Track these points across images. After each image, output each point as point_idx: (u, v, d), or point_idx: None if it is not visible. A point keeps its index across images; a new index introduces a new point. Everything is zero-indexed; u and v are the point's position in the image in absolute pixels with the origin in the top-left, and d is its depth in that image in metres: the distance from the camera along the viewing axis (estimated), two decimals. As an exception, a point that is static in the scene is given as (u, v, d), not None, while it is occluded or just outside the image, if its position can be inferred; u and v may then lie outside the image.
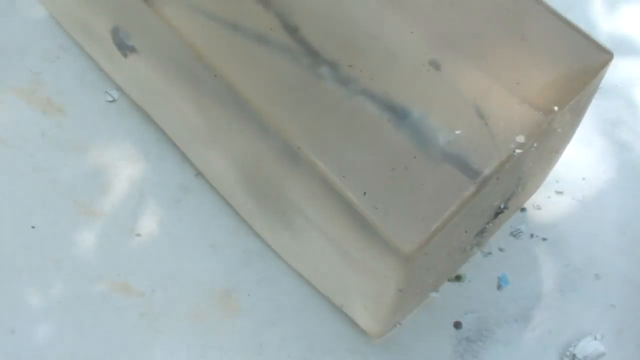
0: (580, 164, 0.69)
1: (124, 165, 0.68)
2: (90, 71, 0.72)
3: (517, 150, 0.49)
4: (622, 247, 0.66)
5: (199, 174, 0.68)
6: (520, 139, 0.49)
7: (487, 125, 0.51)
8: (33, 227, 0.65)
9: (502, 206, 0.59)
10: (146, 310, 0.62)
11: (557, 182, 0.68)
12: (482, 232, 0.60)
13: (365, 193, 0.48)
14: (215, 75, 0.55)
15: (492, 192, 0.52)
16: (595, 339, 0.64)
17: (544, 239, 0.67)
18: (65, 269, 0.64)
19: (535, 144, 0.51)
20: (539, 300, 0.65)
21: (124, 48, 0.61)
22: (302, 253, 0.63)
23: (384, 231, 0.47)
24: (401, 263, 0.47)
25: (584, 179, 0.69)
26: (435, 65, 0.54)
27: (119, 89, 0.71)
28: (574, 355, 0.62)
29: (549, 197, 0.68)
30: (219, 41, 0.55)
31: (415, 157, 0.49)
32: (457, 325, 0.63)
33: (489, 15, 0.56)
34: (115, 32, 0.61)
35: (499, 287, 0.65)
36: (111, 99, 0.71)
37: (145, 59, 0.60)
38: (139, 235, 0.65)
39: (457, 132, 0.50)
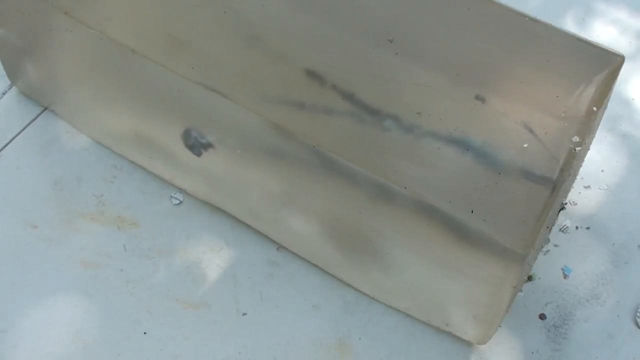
0: (596, 159, 0.82)
1: (210, 257, 0.79)
2: (149, 181, 0.83)
3: (577, 148, 0.61)
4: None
5: (280, 247, 0.76)
6: (576, 139, 0.61)
7: (547, 135, 0.62)
8: (145, 333, 0.72)
9: (564, 202, 0.71)
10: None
11: (582, 178, 0.81)
12: (550, 229, 0.72)
13: (472, 211, 0.58)
14: (301, 141, 0.64)
15: (562, 190, 0.63)
16: None
17: (588, 228, 0.80)
18: (188, 361, 0.70)
19: (586, 141, 0.63)
20: (600, 278, 0.77)
21: (198, 147, 0.71)
22: (398, 287, 0.73)
23: (497, 237, 0.60)
24: (518, 260, 0.60)
25: (602, 170, 0.83)
26: (481, 99, 0.66)
27: (181, 191, 0.79)
28: None
29: (579, 192, 0.82)
30: (292, 116, 0.67)
31: (499, 173, 0.60)
32: (542, 317, 0.75)
33: (508, 44, 0.69)
34: (188, 134, 0.71)
35: (565, 276, 0.77)
36: (177, 201, 0.79)
37: (223, 150, 0.71)
38: (245, 314, 0.73)
39: (525, 145, 0.61)
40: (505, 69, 0.69)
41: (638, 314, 0.76)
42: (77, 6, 0.72)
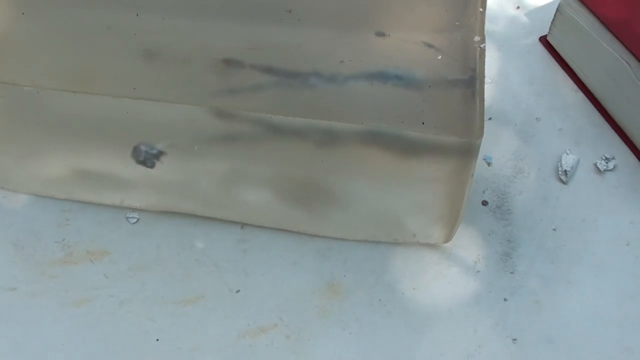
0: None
1: (186, 256, 0.89)
2: (102, 212, 0.93)
3: (482, 45, 0.74)
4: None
5: (243, 224, 0.86)
6: (477, 38, 0.75)
7: (452, 44, 0.75)
8: (157, 339, 0.80)
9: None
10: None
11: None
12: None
13: (423, 123, 0.70)
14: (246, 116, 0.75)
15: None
16: (567, 153, 0.89)
17: (490, 119, 0.97)
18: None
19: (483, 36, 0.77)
20: (516, 156, 0.97)
21: (151, 160, 0.80)
22: (360, 220, 0.87)
23: (452, 136, 0.73)
24: (474, 150, 0.73)
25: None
26: (382, 34, 0.78)
27: (134, 210, 0.87)
28: (565, 171, 0.87)
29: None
30: (228, 100, 0.78)
31: (429, 87, 0.74)
32: (484, 203, 0.91)
33: None
34: (137, 151, 0.80)
35: (489, 164, 0.96)
36: (135, 219, 0.88)
37: (174, 152, 0.80)
38: (238, 291, 0.82)
39: (439, 57, 0.74)
40: (393, 5, 0.81)
41: (559, 172, 0.90)
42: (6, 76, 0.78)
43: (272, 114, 0.76)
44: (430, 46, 0.81)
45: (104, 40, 0.81)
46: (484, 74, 0.76)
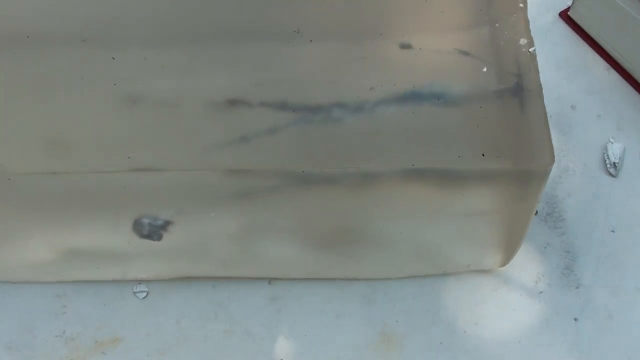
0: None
1: (213, 328, 0.79)
2: (103, 290, 0.84)
3: (531, 49, 0.66)
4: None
5: (270, 280, 0.77)
6: (524, 41, 0.66)
7: (492, 50, 0.67)
8: None
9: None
10: None
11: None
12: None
13: (483, 155, 0.61)
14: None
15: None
16: (611, 141, 0.84)
17: None
18: None
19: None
20: (558, 153, 0.85)
21: (157, 232, 0.71)
22: (404, 258, 0.79)
23: (519, 166, 0.66)
24: (544, 176, 0.67)
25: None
26: (407, 46, 0.69)
27: (141, 281, 0.77)
28: (613, 163, 0.81)
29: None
30: (240, 154, 0.68)
31: (480, 108, 0.65)
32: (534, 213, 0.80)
33: None
34: (139, 225, 0.71)
35: None
36: (144, 294, 0.80)
37: (184, 220, 0.71)
38: None
39: (484, 69, 0.65)
40: (416, 8, 0.72)
41: (607, 164, 0.85)
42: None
43: (292, 166, 0.67)
44: (465, 53, 0.72)
45: (78, 94, 0.71)
46: (540, 84, 0.68)
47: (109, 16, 0.76)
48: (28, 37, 0.75)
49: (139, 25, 0.76)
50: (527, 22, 0.74)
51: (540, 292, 0.81)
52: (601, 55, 0.96)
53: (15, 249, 0.80)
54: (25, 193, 0.71)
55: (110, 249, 0.78)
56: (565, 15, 1.00)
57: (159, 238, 0.76)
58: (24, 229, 0.77)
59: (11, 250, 0.80)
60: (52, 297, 0.82)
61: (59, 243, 0.78)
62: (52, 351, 0.79)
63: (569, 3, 0.99)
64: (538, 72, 0.72)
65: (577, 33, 0.98)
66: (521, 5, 0.74)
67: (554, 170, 0.88)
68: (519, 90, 0.71)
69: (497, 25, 0.75)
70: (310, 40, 0.75)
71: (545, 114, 0.69)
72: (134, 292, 0.82)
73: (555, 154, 0.85)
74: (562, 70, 0.97)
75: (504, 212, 0.73)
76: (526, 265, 0.83)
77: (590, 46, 0.97)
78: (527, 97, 0.70)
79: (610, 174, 0.87)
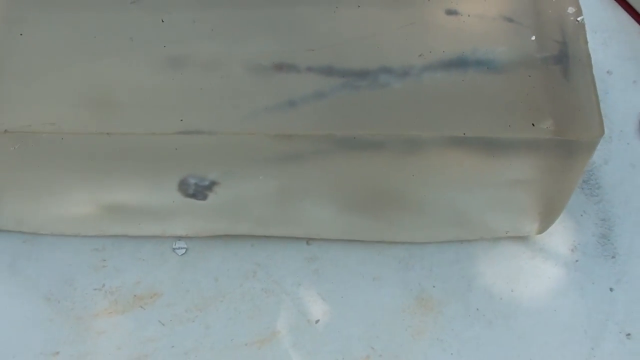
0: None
1: (250, 285, 0.81)
2: (143, 245, 0.86)
3: (579, 18, 0.65)
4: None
5: (308, 240, 0.79)
6: (572, 10, 0.66)
7: (542, 20, 0.67)
8: None
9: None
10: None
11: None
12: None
13: (533, 124, 0.62)
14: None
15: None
16: None
17: None
18: None
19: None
20: None
21: (202, 192, 0.71)
22: (443, 223, 0.80)
23: (569, 136, 0.66)
24: (592, 145, 0.65)
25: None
26: (453, 12, 0.69)
27: (181, 238, 0.78)
28: None
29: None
30: (287, 119, 0.69)
31: (529, 76, 0.65)
32: None
33: None
34: (185, 185, 0.72)
35: None
36: (183, 250, 0.81)
37: (230, 181, 0.72)
38: (317, 321, 0.76)
39: (532, 38, 0.65)
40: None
41: None
42: (11, 122, 0.66)
43: (339, 131, 0.67)
44: (510, 20, 0.72)
45: (127, 55, 0.71)
46: (589, 53, 0.68)
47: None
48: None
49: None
50: None
51: (576, 261, 0.82)
52: (637, 20, 0.96)
53: (57, 202, 0.80)
54: (74, 151, 0.70)
55: (153, 206, 0.78)
56: (599, -22, 1.01)
57: (204, 198, 0.77)
58: (69, 183, 0.76)
59: (53, 203, 0.80)
60: (91, 251, 0.83)
61: (101, 198, 0.78)
62: (91, 304, 0.80)
63: (608, -33, 1.00)
64: (587, 42, 0.71)
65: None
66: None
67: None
68: (565, 59, 0.70)
69: (545, -9, 0.76)
70: (358, 6, 0.75)
71: (594, 84, 0.69)
72: (173, 249, 0.83)
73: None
74: (598, 35, 0.96)
75: (548, 181, 0.73)
76: (562, 233, 0.83)
77: (626, 11, 0.97)
78: (575, 66, 0.70)
79: (646, 142, 0.90)
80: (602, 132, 0.66)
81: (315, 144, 0.70)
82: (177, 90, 0.69)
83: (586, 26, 0.69)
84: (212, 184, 0.74)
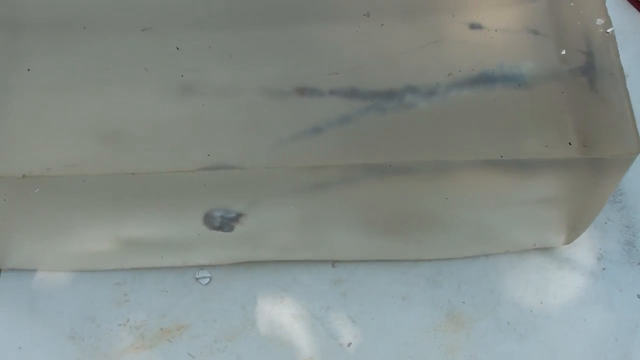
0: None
1: (278, 311, 0.81)
2: (165, 277, 0.85)
3: (609, 30, 0.65)
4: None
5: (334, 262, 0.79)
6: (600, 21, 0.66)
7: (569, 32, 0.67)
8: None
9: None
10: None
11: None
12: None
13: (570, 143, 0.62)
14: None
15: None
16: None
17: None
18: None
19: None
20: None
21: (228, 224, 0.71)
22: (471, 239, 0.80)
23: (607, 154, 0.66)
24: (630, 160, 0.65)
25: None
26: (477, 26, 0.69)
27: (203, 267, 0.78)
28: None
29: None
30: (313, 147, 0.68)
31: (562, 93, 0.65)
32: None
33: None
34: (211, 218, 0.72)
35: None
36: (207, 279, 0.81)
37: (256, 212, 0.72)
38: (350, 344, 0.77)
39: (563, 52, 0.66)
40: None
41: None
42: (28, 165, 0.65)
43: (368, 160, 0.67)
44: (536, 33, 0.72)
45: (143, 87, 0.70)
46: (622, 67, 0.68)
47: (170, 3, 0.75)
48: (85, 27, 0.74)
49: (202, 11, 0.74)
50: (603, 1, 0.74)
51: (603, 269, 0.83)
52: (654, 21, 0.98)
53: (75, 240, 0.78)
54: (96, 191, 0.69)
55: (176, 238, 0.77)
56: (614, -20, 1.00)
57: (231, 230, 0.76)
58: (88, 222, 0.75)
59: (71, 241, 0.78)
60: (112, 285, 0.82)
61: (122, 234, 0.77)
62: (117, 340, 0.79)
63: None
64: (618, 55, 0.71)
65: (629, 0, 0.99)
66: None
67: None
68: (597, 72, 0.70)
69: (571, 4, 0.75)
70: (382, 24, 0.75)
71: (628, 98, 0.69)
72: (196, 278, 0.82)
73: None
74: None
75: (580, 198, 0.73)
76: (588, 242, 0.84)
77: (640, 12, 0.99)
78: (608, 80, 0.70)
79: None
80: (639, 148, 0.67)
81: (343, 172, 0.69)
82: (198, 122, 0.68)
83: (622, 69, 0.69)
84: (239, 215, 0.73)
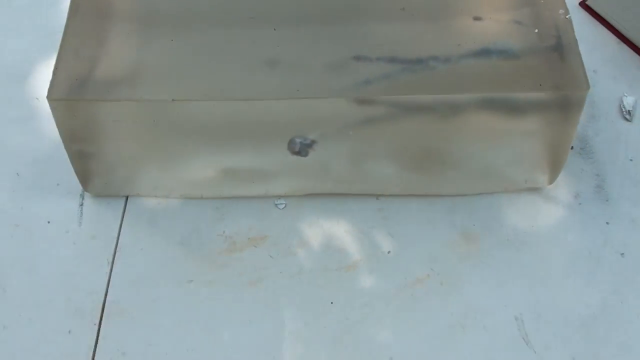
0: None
1: (335, 230, 1.11)
2: (252, 203, 1.13)
3: (567, 16, 0.97)
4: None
5: (377, 196, 1.08)
6: (562, 11, 0.97)
7: (538, 18, 0.98)
8: (332, 302, 1.00)
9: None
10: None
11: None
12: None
13: (540, 84, 0.92)
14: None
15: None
16: (625, 95, 1.15)
17: None
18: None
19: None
20: None
21: (305, 149, 1.00)
22: (476, 176, 1.11)
23: (566, 91, 0.98)
24: (583, 98, 0.95)
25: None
26: (478, 18, 1.01)
27: (279, 197, 1.07)
28: (628, 111, 1.12)
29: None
30: (366, 89, 1.00)
31: (538, 60, 0.96)
32: (571, 147, 1.10)
33: None
34: (293, 143, 1.01)
35: None
36: (283, 205, 1.09)
37: (323, 141, 1.01)
38: (389, 252, 1.03)
39: (535, 30, 0.96)
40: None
41: (623, 112, 1.19)
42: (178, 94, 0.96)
43: (404, 95, 0.98)
44: (519, 23, 1.04)
45: (248, 54, 1.02)
46: (576, 38, 1.00)
47: (267, 2, 1.09)
48: (209, 16, 1.07)
49: (288, 8, 1.07)
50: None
51: (580, 204, 1.12)
52: (614, 34, 1.30)
53: (184, 169, 1.09)
54: (197, 118, 1.01)
55: (263, 167, 1.08)
56: (584, 5, 1.34)
57: (306, 154, 1.06)
58: (192, 151, 1.06)
59: (179, 170, 1.10)
60: (211, 208, 1.12)
61: (219, 163, 1.08)
62: (215, 245, 1.09)
63: (588, -6, 1.35)
64: (573, 30, 1.03)
65: (594, 17, 1.32)
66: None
67: (585, 116, 1.19)
68: (560, 45, 1.02)
69: (542, 2, 1.08)
70: (412, 15, 1.07)
71: (580, 58, 1.00)
72: (275, 204, 1.12)
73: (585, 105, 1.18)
74: (583, 44, 1.21)
75: (553, 131, 1.03)
76: (567, 186, 1.13)
77: (605, 27, 1.30)
78: (567, 48, 1.02)
79: (626, 119, 1.19)
80: (588, 87, 0.97)
81: (386, 108, 1.00)
82: (286, 71, 1.01)
83: (577, 41, 1.00)
84: (312, 142, 1.03)
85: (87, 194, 1.13)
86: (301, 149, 1.04)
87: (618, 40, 1.29)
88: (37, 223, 1.12)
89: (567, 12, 1.04)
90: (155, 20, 1.07)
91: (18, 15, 1.37)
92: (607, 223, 1.10)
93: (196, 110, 0.99)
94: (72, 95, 0.99)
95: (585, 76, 0.99)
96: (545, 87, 0.98)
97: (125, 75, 1.01)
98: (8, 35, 1.34)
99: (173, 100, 0.97)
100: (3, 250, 1.10)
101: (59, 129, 1.02)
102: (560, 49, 1.02)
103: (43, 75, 1.26)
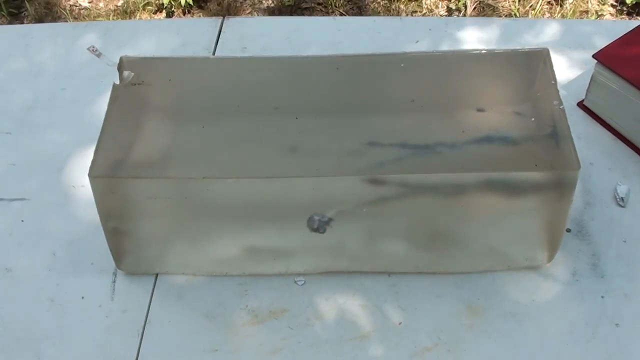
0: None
1: (350, 304, 1.23)
2: (272, 280, 1.23)
3: (561, 107, 1.12)
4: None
5: (389, 273, 1.19)
6: (556, 102, 1.13)
7: (536, 109, 1.13)
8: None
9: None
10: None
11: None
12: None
13: (536, 165, 1.06)
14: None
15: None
16: (619, 184, 1.28)
17: None
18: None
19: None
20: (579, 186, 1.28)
21: (323, 226, 1.13)
22: (479, 255, 1.22)
23: (558, 171, 1.10)
24: (574, 177, 1.08)
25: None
26: (481, 110, 1.15)
27: (299, 275, 1.19)
28: (622, 198, 1.26)
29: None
30: (380, 170, 1.12)
31: (536, 146, 1.10)
32: (568, 230, 1.24)
33: (470, 73, 1.24)
34: (311, 221, 1.13)
35: None
36: (302, 282, 1.20)
37: (340, 218, 1.13)
38: (400, 323, 1.14)
39: (532, 119, 1.11)
40: (487, 88, 1.19)
41: (617, 199, 1.31)
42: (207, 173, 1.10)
43: (413, 173, 1.11)
44: (519, 114, 1.18)
45: (272, 140, 1.16)
46: (569, 126, 1.14)
47: (290, 95, 1.25)
48: (238, 106, 1.23)
49: (309, 102, 1.23)
50: (557, 92, 1.19)
51: (577, 280, 1.22)
52: (609, 130, 1.44)
53: (210, 247, 1.21)
54: (224, 197, 1.14)
55: (283, 245, 1.20)
56: (581, 105, 1.49)
57: (324, 231, 1.18)
58: (219, 230, 1.19)
59: (208, 248, 1.21)
60: (235, 285, 1.23)
61: (242, 242, 1.20)
62: (238, 318, 1.19)
63: (584, 96, 1.48)
64: (566, 119, 1.16)
65: (591, 116, 1.46)
66: (552, 82, 1.20)
67: (580, 203, 1.31)
68: (555, 133, 1.15)
69: (538, 94, 1.22)
70: (421, 106, 1.21)
71: (572, 142, 1.12)
72: (295, 281, 1.23)
73: (581, 194, 1.31)
74: (581, 140, 1.41)
75: (549, 209, 1.15)
76: (566, 263, 1.24)
77: (601, 125, 1.45)
78: (561, 135, 1.14)
79: (620, 205, 1.31)
80: (579, 166, 1.09)
81: (397, 187, 1.12)
82: (307, 155, 1.15)
83: (573, 134, 1.13)
84: (330, 220, 1.16)
85: (119, 272, 1.26)
86: (319, 226, 1.16)
87: (613, 136, 1.43)
88: (71, 298, 1.23)
89: (560, 102, 1.18)
90: (187, 110, 1.22)
91: (60, 111, 1.55)
92: (602, 297, 1.20)
93: (223, 188, 1.13)
94: (110, 173, 1.13)
95: (577, 157, 1.10)
96: (541, 168, 1.11)
97: (159, 158, 1.15)
98: (50, 129, 1.51)
99: (203, 178, 1.11)
100: (39, 322, 1.21)
101: (97, 206, 1.15)
102: (555, 136, 1.14)
103: (79, 166, 1.40)
